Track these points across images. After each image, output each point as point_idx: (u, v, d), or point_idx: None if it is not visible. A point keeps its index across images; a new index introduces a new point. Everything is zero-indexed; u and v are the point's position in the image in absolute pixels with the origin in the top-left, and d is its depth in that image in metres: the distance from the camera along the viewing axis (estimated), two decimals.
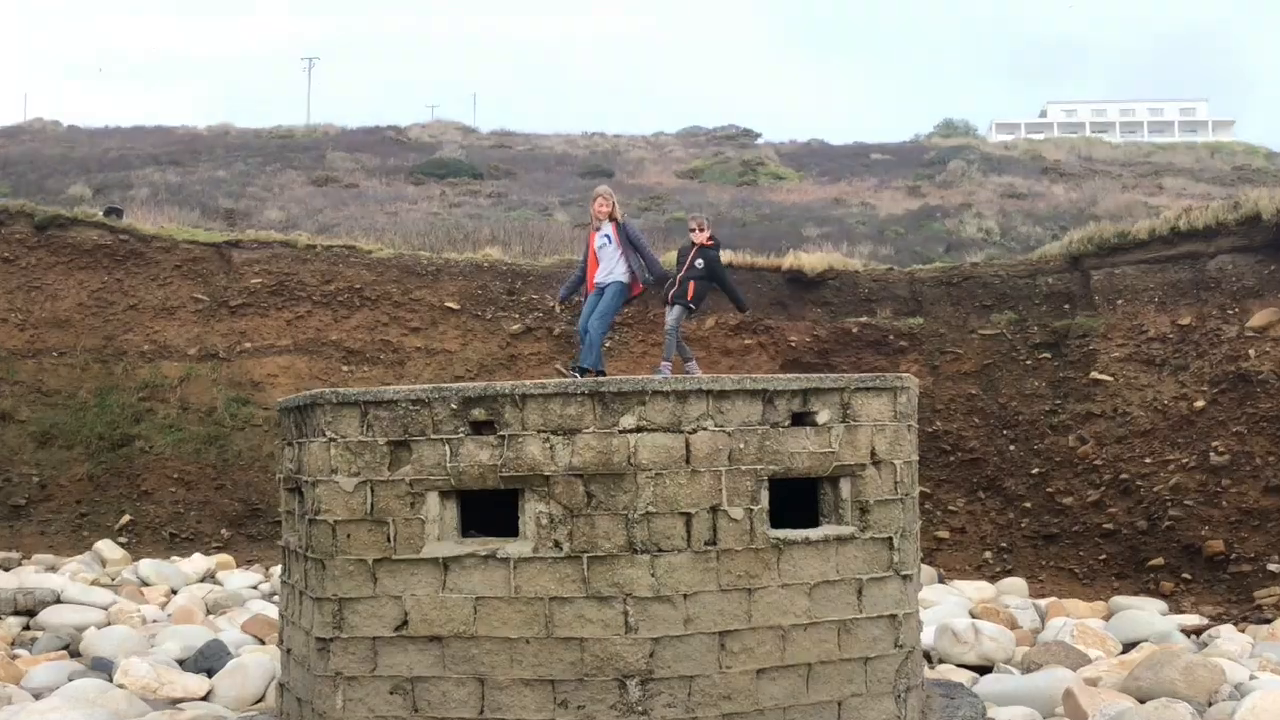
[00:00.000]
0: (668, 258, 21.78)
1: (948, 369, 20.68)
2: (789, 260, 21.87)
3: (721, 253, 12.83)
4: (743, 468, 9.81)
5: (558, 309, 12.53)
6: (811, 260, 21.81)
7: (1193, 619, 16.37)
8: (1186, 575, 17.75)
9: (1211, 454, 18.26)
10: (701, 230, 12.56)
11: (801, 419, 10.23)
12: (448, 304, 21.27)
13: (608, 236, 12.08)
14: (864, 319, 21.15)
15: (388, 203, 36.35)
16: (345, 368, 20.83)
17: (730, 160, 48.82)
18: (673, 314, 12.29)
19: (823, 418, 10.24)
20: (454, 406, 9.82)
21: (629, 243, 12.05)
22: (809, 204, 39.26)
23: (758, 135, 60.07)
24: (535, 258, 23.45)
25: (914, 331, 20.89)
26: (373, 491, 9.90)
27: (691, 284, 12.28)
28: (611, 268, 11.98)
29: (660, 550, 9.42)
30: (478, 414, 9.81)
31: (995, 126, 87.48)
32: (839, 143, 57.98)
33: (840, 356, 20.96)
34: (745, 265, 21.73)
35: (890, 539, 10.26)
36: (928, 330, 20.90)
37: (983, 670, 13.59)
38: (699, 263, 12.40)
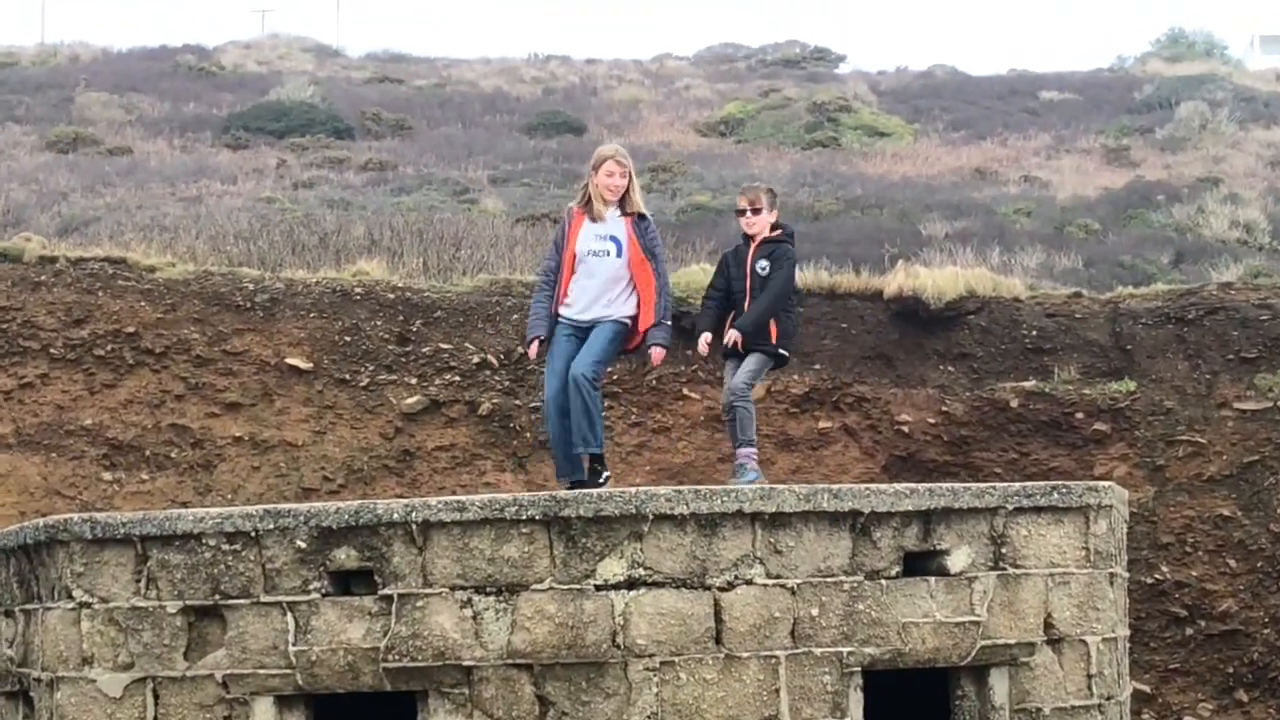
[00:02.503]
0: (686, 275, 21.84)
1: (1180, 472, 20.65)
2: (897, 280, 21.90)
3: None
4: (817, 651, 9.80)
5: (531, 355, 12.67)
6: (938, 280, 21.84)
7: None
8: None
9: None
10: (757, 210, 12.79)
11: (921, 563, 10.23)
12: (292, 361, 21.25)
13: (614, 238, 12.27)
14: (1030, 383, 21.16)
15: (185, 181, 36.46)
16: (109, 475, 20.80)
17: (793, 103, 49.07)
18: (745, 370, 12.55)
19: (958, 561, 10.25)
20: (302, 545, 9.81)
21: (648, 253, 12.26)
22: (932, 180, 39.38)
23: (839, 59, 60.44)
24: (447, 278, 23.50)
25: (1120, 406, 20.89)
26: (157, 697, 9.85)
27: (769, 311, 12.56)
28: (608, 292, 12.19)
29: None
30: (345, 557, 9.79)
31: (1259, 41, 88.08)
32: (983, 73, 58.34)
33: (989, 450, 20.94)
34: (821, 288, 21.78)
35: None
36: (1144, 403, 20.92)
37: None
38: (762, 267, 12.65)
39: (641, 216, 12.37)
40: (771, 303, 12.58)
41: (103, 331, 21.46)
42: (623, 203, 12.32)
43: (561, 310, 12.20)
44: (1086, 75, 57.13)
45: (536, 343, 12.28)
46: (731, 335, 12.54)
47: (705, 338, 12.72)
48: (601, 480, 12.02)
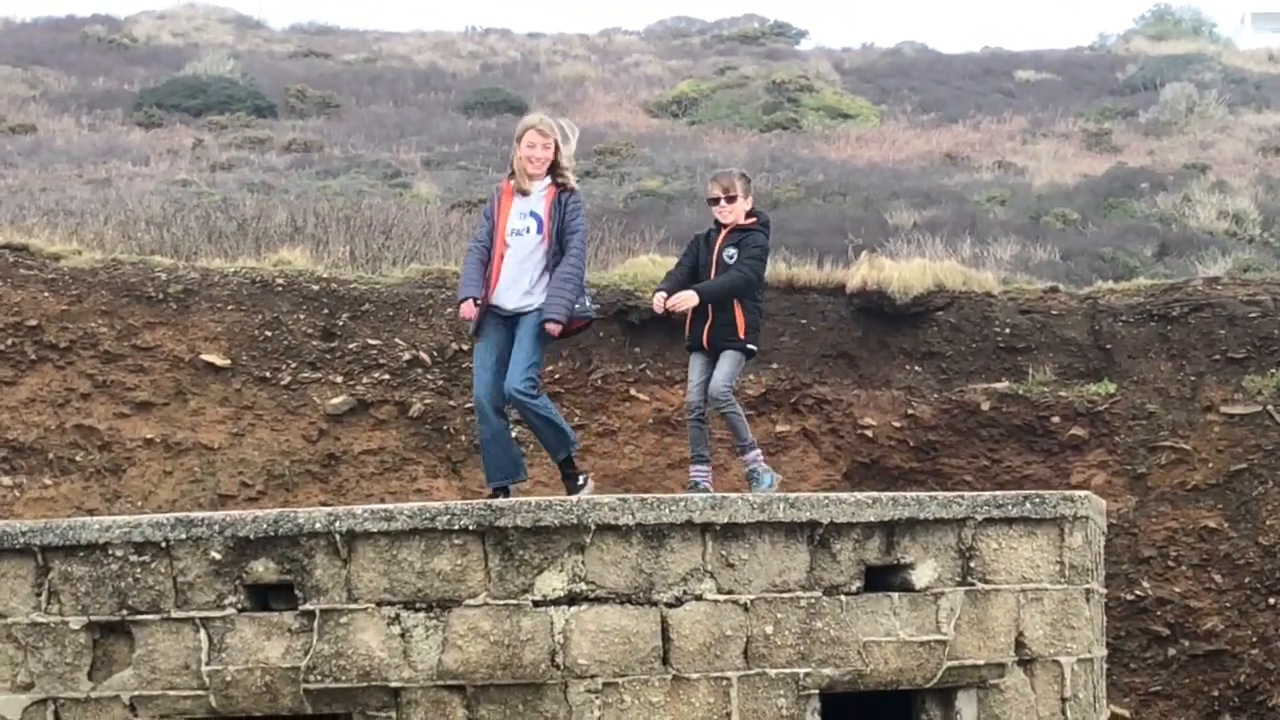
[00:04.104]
0: (634, 266, 21.81)
1: (1162, 481, 20.72)
2: (861, 273, 21.93)
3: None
4: (771, 672, 9.82)
5: (465, 315, 12.50)
6: (905, 273, 21.87)
7: None
8: None
9: None
10: (732, 198, 12.88)
11: (884, 578, 10.26)
12: (207, 357, 21.17)
13: (534, 214, 12.31)
14: (1003, 385, 21.22)
15: (93, 161, 36.33)
16: (8, 480, 20.71)
17: (750, 81, 49.16)
18: (723, 371, 12.65)
19: (924, 576, 10.29)
20: (217, 556, 9.78)
21: (566, 230, 12.27)
22: (899, 165, 39.49)
23: (800, 35, 60.64)
24: (377, 268, 23.46)
25: (1098, 409, 20.95)
26: None
27: (737, 308, 12.67)
28: (527, 275, 12.20)
29: None
30: (263, 570, 9.77)
31: (1251, 19, 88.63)
32: (955, 50, 58.59)
33: (958, 456, 21.00)
34: (779, 281, 21.80)
35: None
36: (1125, 407, 20.99)
37: None
38: (730, 255, 12.77)
39: (564, 189, 12.37)
40: (733, 283, 12.68)
41: (2, 324, 21.36)
42: (556, 175, 12.36)
43: (491, 297, 12.16)
44: (1066, 54, 57.34)
45: (471, 302, 12.11)
46: (685, 296, 12.55)
47: (660, 295, 12.75)
48: (580, 484, 11.90)
